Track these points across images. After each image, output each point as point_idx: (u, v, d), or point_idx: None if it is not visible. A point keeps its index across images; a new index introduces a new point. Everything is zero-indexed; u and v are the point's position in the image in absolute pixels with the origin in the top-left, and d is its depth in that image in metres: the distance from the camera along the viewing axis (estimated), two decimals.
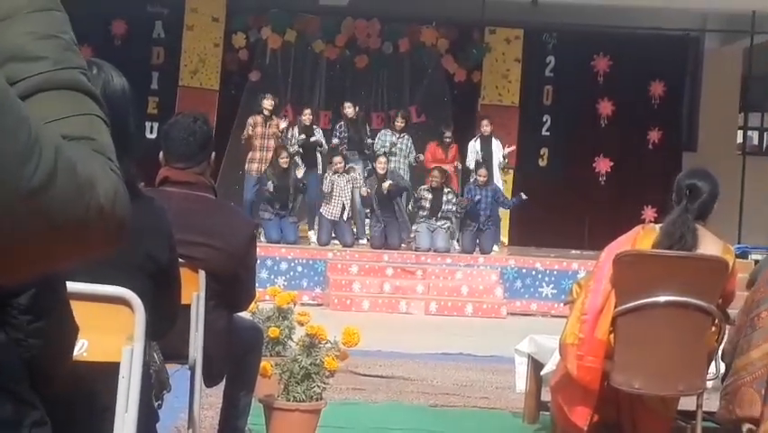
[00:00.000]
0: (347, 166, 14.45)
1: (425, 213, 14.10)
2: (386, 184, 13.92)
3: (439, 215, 14.05)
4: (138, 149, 2.76)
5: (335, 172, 14.17)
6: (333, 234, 14.22)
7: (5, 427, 1.86)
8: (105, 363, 2.52)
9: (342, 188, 14.14)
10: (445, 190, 14.19)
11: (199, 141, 4.22)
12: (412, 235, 14.26)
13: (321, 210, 14.20)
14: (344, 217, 14.22)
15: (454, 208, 14.15)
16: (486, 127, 15.05)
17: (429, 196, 14.11)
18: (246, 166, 14.56)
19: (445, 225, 14.16)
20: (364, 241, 14.62)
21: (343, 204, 14.16)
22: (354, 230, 14.54)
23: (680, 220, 4.99)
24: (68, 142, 1.23)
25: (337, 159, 14.27)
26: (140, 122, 13.86)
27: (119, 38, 15.76)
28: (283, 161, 13.81)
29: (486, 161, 14.77)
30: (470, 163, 14.96)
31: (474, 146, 15.06)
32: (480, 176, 14.25)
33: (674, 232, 4.97)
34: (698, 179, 5.06)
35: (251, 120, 14.57)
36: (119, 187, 1.26)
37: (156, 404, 3.48)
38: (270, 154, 14.27)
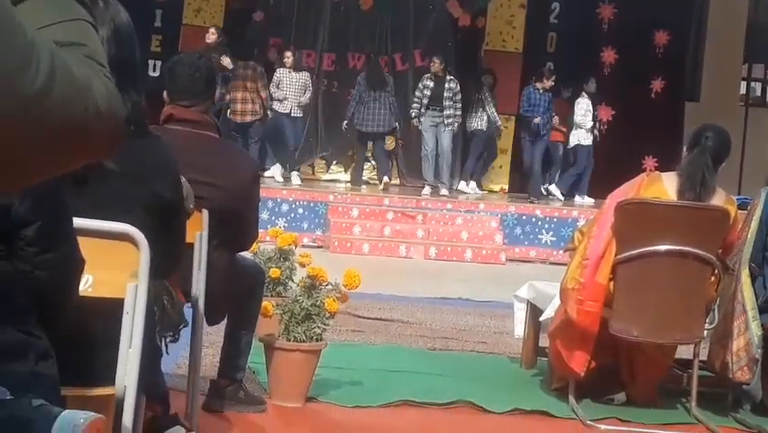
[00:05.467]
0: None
1: (426, 100, 14.14)
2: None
3: (444, 103, 14.11)
4: (144, 83, 2.74)
5: (287, 67, 14.25)
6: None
7: (11, 357, 1.88)
8: (110, 300, 2.54)
9: (294, 83, 14.22)
10: (447, 78, 14.19)
11: (205, 77, 4.19)
12: (413, 122, 14.39)
13: (273, 105, 14.18)
14: (293, 115, 14.27)
15: (453, 95, 14.12)
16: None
17: (431, 84, 14.11)
18: None
19: (450, 120, 14.18)
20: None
21: (293, 104, 14.20)
22: (305, 132, 14.80)
23: (699, 160, 5.07)
24: (59, 47, 1.21)
25: (287, 53, 14.40)
26: (144, 59, 13.81)
27: None
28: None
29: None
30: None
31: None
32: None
33: (695, 174, 5.04)
34: (713, 131, 5.24)
35: None
36: (112, 89, 1.25)
37: (173, 338, 3.56)
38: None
